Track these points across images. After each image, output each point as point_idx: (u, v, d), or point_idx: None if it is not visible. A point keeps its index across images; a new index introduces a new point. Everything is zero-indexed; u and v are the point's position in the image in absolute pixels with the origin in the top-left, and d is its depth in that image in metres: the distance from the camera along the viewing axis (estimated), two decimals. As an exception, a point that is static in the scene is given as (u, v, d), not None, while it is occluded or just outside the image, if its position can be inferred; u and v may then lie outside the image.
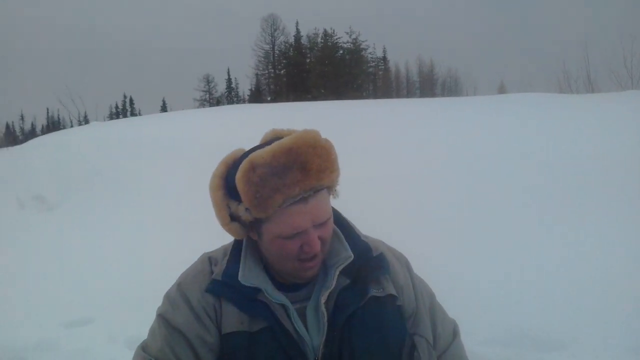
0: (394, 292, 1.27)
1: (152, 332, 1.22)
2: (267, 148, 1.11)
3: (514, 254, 4.05)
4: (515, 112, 8.10)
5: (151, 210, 5.79)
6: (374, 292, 1.23)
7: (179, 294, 1.22)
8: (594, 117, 7.20)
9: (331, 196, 1.24)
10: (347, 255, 1.23)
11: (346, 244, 1.26)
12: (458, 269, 3.75)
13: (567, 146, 6.13)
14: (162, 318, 1.20)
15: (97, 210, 6.05)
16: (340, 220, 1.32)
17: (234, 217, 1.18)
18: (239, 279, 1.18)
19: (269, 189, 1.09)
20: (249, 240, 1.25)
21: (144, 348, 1.21)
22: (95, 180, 6.88)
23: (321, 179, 1.12)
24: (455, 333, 1.39)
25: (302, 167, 1.10)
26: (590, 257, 3.91)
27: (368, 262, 1.26)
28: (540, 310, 3.25)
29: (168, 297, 1.24)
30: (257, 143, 1.26)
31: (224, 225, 1.19)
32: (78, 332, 3.64)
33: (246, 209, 1.14)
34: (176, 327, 1.18)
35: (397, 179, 5.66)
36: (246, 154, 1.20)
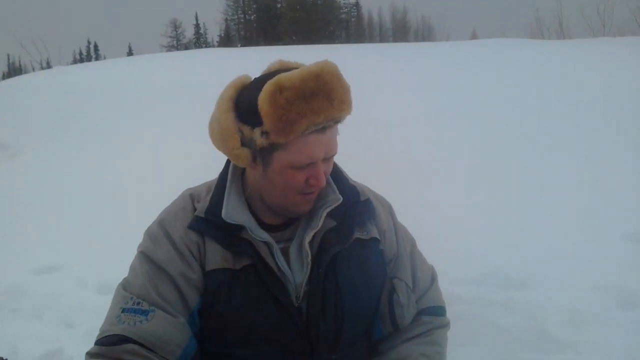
0: (377, 235, 1.29)
1: (133, 269, 1.19)
2: (295, 72, 1.08)
3: (487, 197, 4.09)
4: (489, 56, 8.08)
5: (117, 155, 5.67)
6: (358, 234, 1.25)
7: (161, 230, 1.19)
8: (566, 64, 7.26)
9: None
10: (335, 197, 1.23)
11: (335, 187, 1.26)
12: (433, 213, 3.77)
13: (540, 91, 6.17)
14: (144, 255, 1.18)
15: (61, 156, 5.89)
16: None
17: (244, 143, 1.13)
18: (222, 216, 1.16)
19: (295, 113, 1.06)
20: (233, 176, 1.24)
21: (124, 286, 1.17)
22: (59, 125, 6.67)
23: (342, 110, 1.12)
24: (433, 278, 1.40)
25: (328, 95, 1.08)
26: (561, 199, 3.98)
27: (355, 206, 1.27)
28: (512, 251, 3.31)
29: (149, 234, 1.21)
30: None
31: (233, 149, 1.14)
32: (48, 278, 3.59)
33: (263, 133, 1.10)
34: (158, 264, 1.15)
35: (373, 124, 5.63)
36: (257, 80, 1.17)
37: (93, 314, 3.06)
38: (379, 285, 1.27)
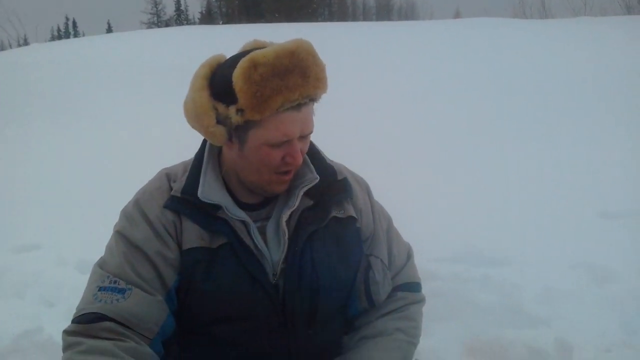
0: (354, 214, 1.30)
1: (109, 249, 1.19)
2: (269, 48, 1.09)
3: (464, 176, 4.14)
4: (473, 36, 8.09)
5: (94, 132, 5.60)
6: (335, 213, 1.26)
7: (137, 210, 1.20)
8: (551, 43, 7.31)
9: None
10: (312, 177, 1.24)
11: (311, 166, 1.26)
12: (411, 192, 3.81)
13: (524, 71, 6.21)
14: (120, 235, 1.18)
15: (37, 134, 5.79)
16: None
17: (219, 121, 1.14)
18: (199, 195, 1.16)
19: (270, 89, 1.06)
20: (210, 155, 1.24)
21: (100, 265, 1.18)
22: (34, 103, 6.55)
23: (317, 88, 1.12)
24: (409, 255, 1.43)
25: (303, 72, 1.09)
26: (537, 177, 4.04)
27: (332, 185, 1.27)
28: (488, 229, 3.36)
29: (125, 214, 1.22)
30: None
31: (208, 127, 1.14)
32: (27, 257, 3.55)
33: (238, 110, 1.10)
34: (135, 243, 1.16)
35: (355, 103, 5.63)
36: (232, 58, 1.18)
37: (73, 292, 3.05)
38: (355, 263, 1.28)
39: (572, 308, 2.66)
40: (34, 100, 6.64)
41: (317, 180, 1.23)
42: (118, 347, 1.07)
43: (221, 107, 1.12)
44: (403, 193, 3.53)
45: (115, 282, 1.12)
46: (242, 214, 1.19)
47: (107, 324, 1.09)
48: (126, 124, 5.57)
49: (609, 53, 6.61)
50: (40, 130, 5.91)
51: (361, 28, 11.01)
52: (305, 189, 1.23)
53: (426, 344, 2.47)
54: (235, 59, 1.13)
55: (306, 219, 1.22)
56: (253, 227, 1.19)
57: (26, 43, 21.52)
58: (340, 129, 5.01)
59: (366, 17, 55.84)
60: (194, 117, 1.16)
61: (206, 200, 1.16)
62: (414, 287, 1.38)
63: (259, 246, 1.18)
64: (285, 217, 1.20)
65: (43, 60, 8.10)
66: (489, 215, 3.54)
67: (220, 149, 1.25)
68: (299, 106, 1.11)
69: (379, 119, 5.32)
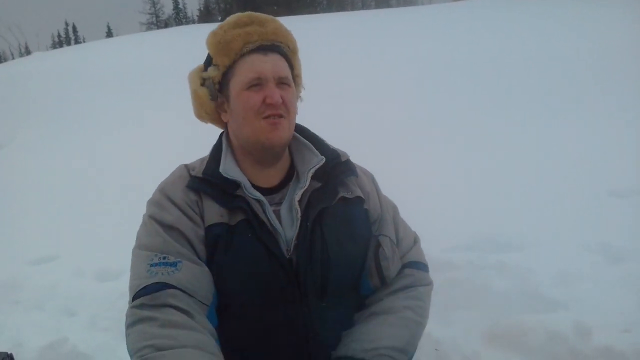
0: (361, 195, 1.35)
1: (146, 234, 1.22)
2: (232, 15, 1.29)
3: (472, 164, 4.12)
4: (472, 18, 8.03)
5: (106, 139, 5.62)
6: (342, 193, 1.32)
7: (163, 196, 1.25)
8: (547, 20, 7.26)
9: (299, 99, 1.36)
10: (318, 159, 1.31)
11: (316, 150, 1.33)
12: (421, 180, 3.81)
13: (524, 50, 6.17)
14: (153, 219, 1.22)
15: (49, 145, 5.83)
16: (308, 133, 1.40)
17: (204, 85, 1.30)
18: (220, 170, 1.23)
19: (231, 35, 1.25)
20: (226, 143, 1.32)
21: (141, 248, 1.20)
22: (44, 114, 6.59)
23: (277, 35, 1.28)
24: (415, 240, 1.46)
25: (260, 23, 1.27)
26: (545, 160, 4.02)
27: (337, 167, 1.33)
28: (500, 215, 3.36)
29: (153, 202, 1.26)
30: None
31: (196, 91, 1.30)
32: (45, 269, 3.60)
33: (214, 66, 1.28)
34: (169, 224, 1.20)
35: (360, 92, 5.62)
36: None
37: (93, 301, 3.10)
38: (364, 240, 1.32)
39: (588, 289, 2.67)
40: (43, 110, 6.67)
41: (323, 161, 1.30)
42: (192, 320, 1.11)
43: (204, 74, 1.30)
44: (411, 184, 3.54)
45: (164, 257, 1.16)
46: (258, 194, 1.25)
47: (173, 291, 1.12)
48: (137, 130, 5.59)
49: (614, 30, 6.55)
50: (51, 140, 5.95)
51: (360, 17, 10.95)
52: (314, 170, 1.29)
53: (446, 333, 2.49)
54: None
55: (316, 198, 1.28)
56: (268, 207, 1.25)
57: (28, 52, 21.62)
58: (346, 119, 5.02)
59: (365, 3, 55.47)
60: (192, 100, 1.33)
61: (227, 176, 1.23)
62: (421, 266, 1.41)
63: (273, 224, 1.23)
64: (297, 197, 1.26)
65: (46, 69, 8.13)
66: (499, 200, 3.54)
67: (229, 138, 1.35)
68: (264, 50, 1.26)
69: (384, 108, 5.30)
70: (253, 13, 1.30)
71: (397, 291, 1.34)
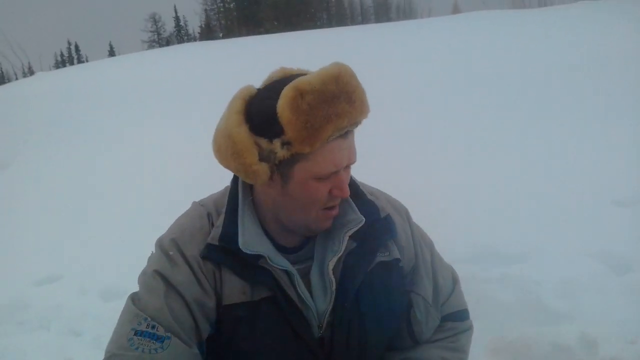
0: (398, 255, 1.22)
1: (147, 287, 1.09)
2: (313, 75, 1.02)
3: (474, 175, 4.12)
4: (472, 31, 8.07)
5: (109, 160, 5.64)
6: (380, 257, 1.18)
7: (177, 251, 1.10)
8: (547, 31, 7.28)
9: None
10: (357, 218, 1.15)
11: (353, 205, 1.17)
12: (417, 192, 3.79)
13: (526, 61, 6.18)
14: (160, 275, 1.08)
15: (52, 165, 5.85)
16: None
17: (262, 158, 1.04)
18: (240, 246, 1.07)
19: (321, 118, 0.98)
20: (245, 197, 1.15)
21: (136, 302, 1.08)
22: (47, 133, 6.62)
23: (363, 112, 1.06)
24: (454, 280, 1.37)
25: (349, 97, 1.02)
26: (548, 170, 4.01)
27: (375, 225, 1.19)
28: (503, 226, 3.35)
29: (163, 251, 1.12)
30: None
31: (251, 165, 1.03)
32: (48, 289, 3.61)
33: (284, 143, 1.01)
34: (176, 286, 1.07)
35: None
36: (268, 88, 1.09)
37: (97, 321, 3.10)
38: (403, 310, 1.23)
39: (593, 300, 2.65)
40: (45, 130, 6.71)
41: (362, 223, 1.14)
42: None
43: (264, 142, 1.03)
44: (411, 197, 3.52)
45: (153, 327, 1.03)
46: (285, 263, 1.11)
47: None
48: (140, 149, 5.60)
49: (612, 36, 6.55)
50: (53, 159, 5.97)
51: (360, 31, 11.02)
52: (351, 232, 1.14)
53: (450, 348, 2.48)
54: (272, 89, 1.05)
55: (352, 266, 1.13)
56: (297, 277, 1.11)
57: (31, 72, 21.79)
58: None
59: (365, 17, 55.92)
60: (232, 155, 1.04)
61: (248, 252, 1.08)
62: (462, 315, 1.33)
63: (303, 298, 1.10)
64: (331, 265, 1.12)
65: (49, 89, 8.19)
66: (502, 211, 3.52)
67: (251, 187, 1.16)
68: (346, 134, 1.05)
69: (387, 121, 5.31)
70: (339, 75, 1.02)
71: (436, 341, 1.26)
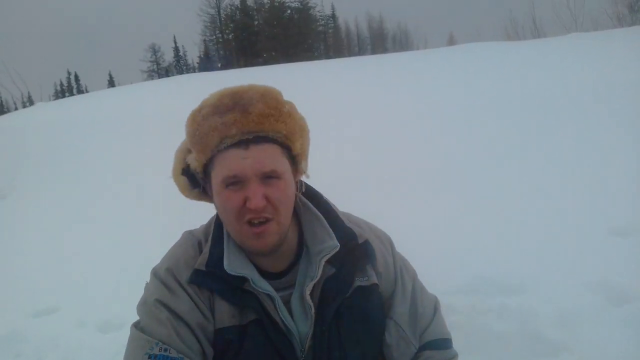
0: (376, 281, 1.25)
1: (151, 316, 1.11)
2: (217, 91, 1.12)
3: (469, 205, 4.14)
4: (466, 63, 8.19)
5: (109, 190, 5.66)
6: (358, 281, 1.21)
7: (174, 279, 1.14)
8: (539, 62, 7.41)
9: (303, 175, 1.21)
10: (332, 244, 1.18)
11: (330, 231, 1.20)
12: (416, 224, 3.82)
13: (520, 93, 6.27)
14: (161, 303, 1.11)
15: (50, 196, 5.86)
16: (323, 205, 1.27)
17: (187, 173, 1.17)
18: (225, 267, 1.12)
19: (207, 127, 1.07)
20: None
21: (143, 330, 1.09)
22: (46, 164, 6.65)
23: (262, 124, 1.07)
24: (435, 309, 1.37)
25: (243, 109, 1.06)
26: (544, 200, 4.04)
27: (353, 251, 1.22)
28: (499, 257, 3.36)
29: (161, 281, 1.15)
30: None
31: (174, 177, 1.19)
32: (46, 321, 3.58)
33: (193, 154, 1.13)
34: (179, 313, 1.11)
35: (353, 140, 5.68)
36: None
37: (94, 353, 3.08)
38: (381, 333, 1.25)
39: (591, 331, 2.64)
40: (44, 161, 6.75)
41: (337, 249, 1.17)
42: None
43: (188, 156, 1.16)
44: (409, 227, 3.54)
45: (166, 350, 1.05)
46: (267, 287, 1.15)
47: None
48: (138, 181, 5.62)
49: (605, 66, 6.67)
50: (52, 191, 5.98)
51: (356, 63, 11.18)
52: (326, 258, 1.17)
53: (448, 380, 2.47)
54: None
55: (330, 291, 1.17)
56: (279, 302, 1.15)
57: (31, 102, 21.92)
58: (346, 163, 5.08)
59: (361, 46, 56.70)
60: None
61: (233, 273, 1.12)
62: (442, 343, 1.31)
63: (286, 322, 1.14)
64: (308, 290, 1.15)
65: (49, 120, 8.26)
66: (498, 242, 3.54)
67: None
68: (245, 144, 1.07)
69: (383, 152, 5.36)
70: (239, 92, 1.09)
71: None
